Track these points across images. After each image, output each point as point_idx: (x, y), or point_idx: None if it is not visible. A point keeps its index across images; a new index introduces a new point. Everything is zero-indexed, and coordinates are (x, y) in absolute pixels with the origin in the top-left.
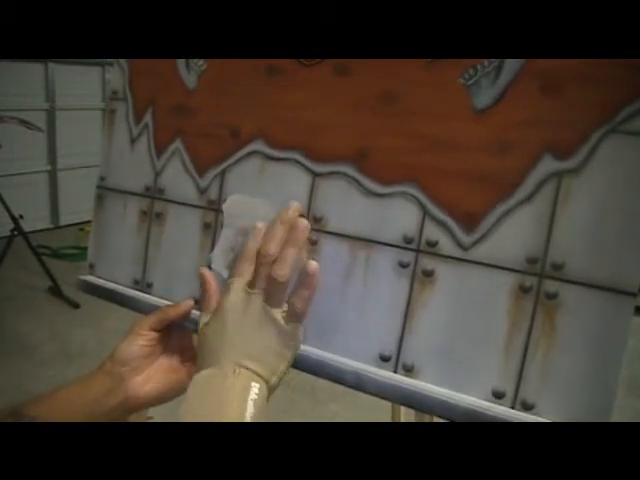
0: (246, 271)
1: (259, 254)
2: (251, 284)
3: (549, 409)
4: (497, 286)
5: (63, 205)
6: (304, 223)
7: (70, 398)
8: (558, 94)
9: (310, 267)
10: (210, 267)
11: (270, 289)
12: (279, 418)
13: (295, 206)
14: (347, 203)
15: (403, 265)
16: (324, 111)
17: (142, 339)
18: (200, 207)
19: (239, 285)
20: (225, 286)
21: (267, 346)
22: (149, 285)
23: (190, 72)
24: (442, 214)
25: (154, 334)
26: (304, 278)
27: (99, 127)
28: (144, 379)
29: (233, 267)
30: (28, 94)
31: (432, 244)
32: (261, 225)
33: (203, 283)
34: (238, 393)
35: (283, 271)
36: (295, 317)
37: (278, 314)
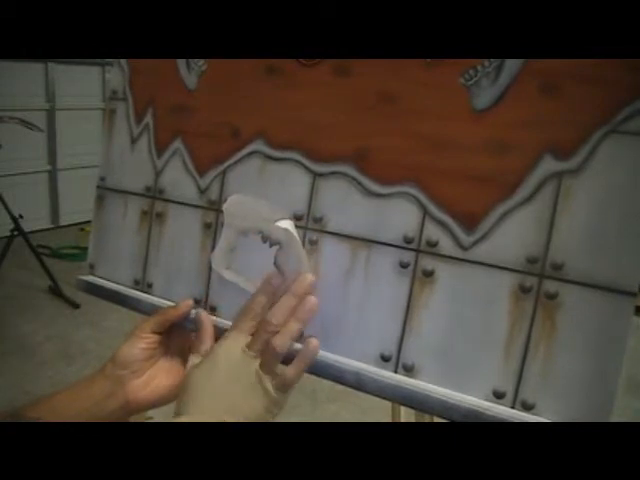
0: (247, 327)
1: (264, 320)
2: (250, 344)
3: (549, 409)
4: (497, 286)
5: (63, 205)
6: (312, 301)
7: (70, 401)
8: (558, 94)
9: (311, 344)
10: (210, 267)
11: (266, 356)
12: (279, 418)
13: (309, 280)
14: (347, 203)
15: (403, 265)
16: (324, 111)
17: (143, 342)
18: (201, 207)
19: (237, 341)
20: (223, 336)
21: (253, 410)
22: (149, 285)
23: (190, 72)
24: (442, 214)
25: (155, 337)
26: (304, 352)
27: (99, 127)
28: (145, 382)
29: (235, 319)
30: (28, 94)
31: (432, 244)
32: (271, 280)
33: (199, 324)
34: None
35: (283, 344)
36: (285, 387)
37: (269, 382)
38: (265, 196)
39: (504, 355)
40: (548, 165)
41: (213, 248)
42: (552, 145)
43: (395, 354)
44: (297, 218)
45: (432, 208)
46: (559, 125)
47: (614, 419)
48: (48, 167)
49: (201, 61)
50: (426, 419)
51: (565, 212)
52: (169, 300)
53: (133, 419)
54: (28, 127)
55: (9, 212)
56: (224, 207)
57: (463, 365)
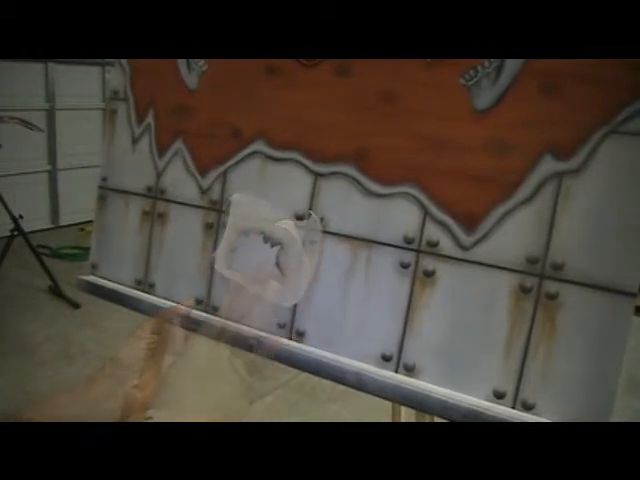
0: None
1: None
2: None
3: (549, 409)
4: (498, 286)
5: (63, 205)
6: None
7: (70, 402)
8: (558, 94)
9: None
10: (212, 267)
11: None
12: (279, 418)
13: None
14: (348, 203)
15: (404, 265)
16: (324, 111)
17: (144, 342)
18: (202, 207)
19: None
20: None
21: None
22: (151, 285)
23: (191, 72)
24: (443, 214)
25: (155, 337)
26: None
27: (99, 127)
28: (145, 382)
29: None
30: (28, 94)
31: (433, 244)
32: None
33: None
34: None
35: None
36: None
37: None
38: (266, 196)
39: (504, 355)
40: (548, 165)
41: (215, 248)
42: (552, 145)
43: (396, 354)
44: (298, 218)
45: (432, 208)
46: (559, 125)
47: (614, 419)
48: (48, 167)
49: (202, 61)
50: (426, 419)
51: (565, 212)
52: (171, 300)
53: (132, 419)
54: (28, 127)
55: (9, 212)
56: (226, 207)
57: (464, 365)
